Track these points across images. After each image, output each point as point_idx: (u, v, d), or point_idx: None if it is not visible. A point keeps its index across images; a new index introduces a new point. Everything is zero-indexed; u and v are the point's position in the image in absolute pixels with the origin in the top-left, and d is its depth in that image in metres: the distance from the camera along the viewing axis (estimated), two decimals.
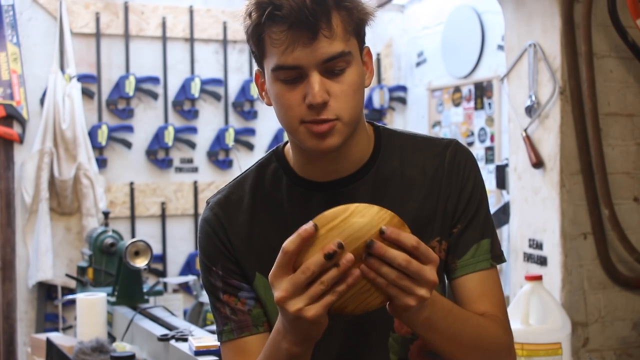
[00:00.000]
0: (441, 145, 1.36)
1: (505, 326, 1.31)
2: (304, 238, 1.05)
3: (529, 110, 3.10)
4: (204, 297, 3.73)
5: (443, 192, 1.32)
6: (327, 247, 1.03)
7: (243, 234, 1.32)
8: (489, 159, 4.75)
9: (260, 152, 5.23)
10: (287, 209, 1.32)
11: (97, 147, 4.88)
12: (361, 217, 1.06)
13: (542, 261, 3.04)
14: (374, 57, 5.55)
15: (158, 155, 5.07)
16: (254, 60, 1.30)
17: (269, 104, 1.29)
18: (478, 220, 1.33)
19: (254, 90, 5.22)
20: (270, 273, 1.08)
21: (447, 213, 1.32)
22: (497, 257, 1.34)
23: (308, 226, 1.06)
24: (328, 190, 1.31)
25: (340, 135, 1.22)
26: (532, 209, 3.11)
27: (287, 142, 1.37)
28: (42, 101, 4.74)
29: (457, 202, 1.32)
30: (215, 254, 1.33)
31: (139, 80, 4.99)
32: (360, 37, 1.26)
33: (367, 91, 1.58)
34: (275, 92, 1.23)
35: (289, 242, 1.06)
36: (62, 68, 4.78)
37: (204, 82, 5.16)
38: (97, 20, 4.92)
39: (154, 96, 5.06)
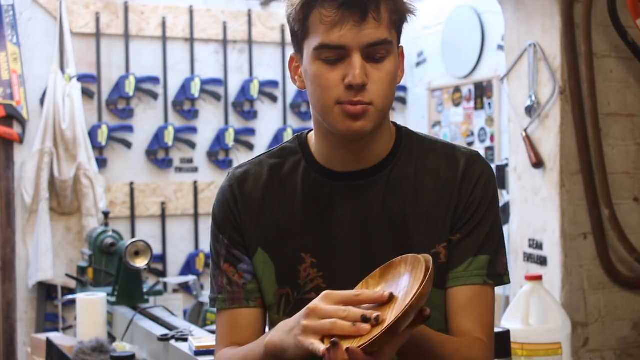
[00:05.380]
0: (459, 154, 1.36)
1: (485, 351, 1.29)
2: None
3: (529, 110, 3.10)
4: (204, 297, 3.73)
5: (453, 201, 1.33)
6: (369, 313, 1.04)
7: (253, 209, 1.36)
8: (489, 159, 4.75)
9: (260, 152, 5.19)
10: (300, 193, 1.35)
11: (97, 147, 4.88)
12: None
13: (542, 261, 3.04)
14: None
15: (158, 155, 5.07)
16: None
17: (302, 88, 1.32)
18: (479, 234, 1.32)
19: (254, 90, 5.22)
20: (332, 292, 1.10)
21: (451, 221, 1.33)
22: (497, 276, 1.32)
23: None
24: (342, 182, 1.34)
25: (372, 120, 1.25)
26: (532, 209, 3.11)
27: (310, 130, 1.40)
28: (42, 101, 4.74)
29: (462, 212, 1.33)
30: (224, 222, 1.38)
31: (139, 80, 4.99)
32: (399, 32, 1.29)
33: None
34: (314, 71, 1.25)
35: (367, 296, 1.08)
36: (62, 68, 4.78)
37: (204, 82, 5.16)
38: (97, 20, 4.92)
39: (154, 96, 5.06)
